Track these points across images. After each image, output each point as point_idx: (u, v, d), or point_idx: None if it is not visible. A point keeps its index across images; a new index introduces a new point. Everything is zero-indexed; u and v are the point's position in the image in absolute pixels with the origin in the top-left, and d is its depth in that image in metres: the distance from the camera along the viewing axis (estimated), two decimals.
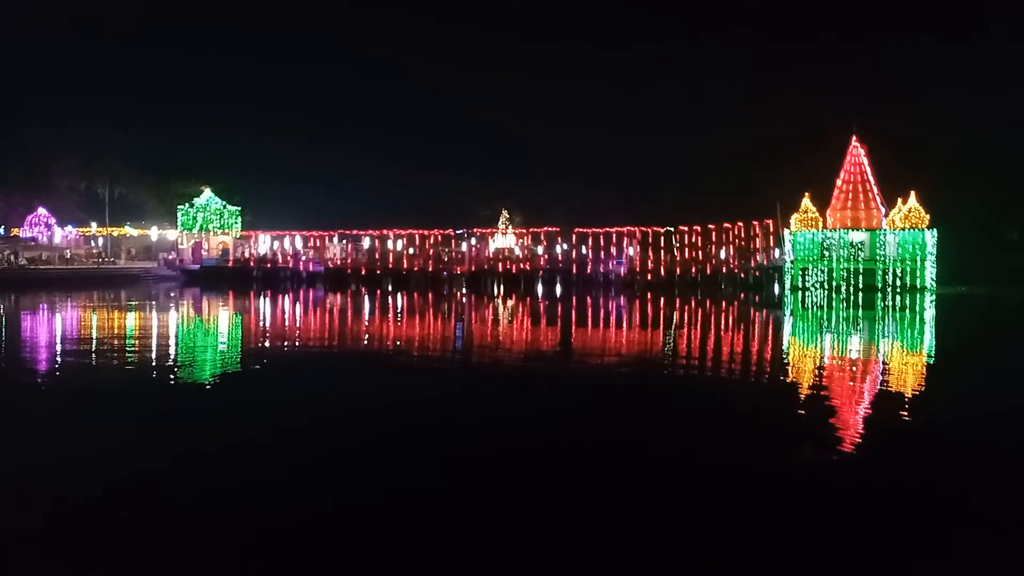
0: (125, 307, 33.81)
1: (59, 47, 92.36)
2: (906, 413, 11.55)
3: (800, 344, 21.27)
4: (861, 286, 45.21)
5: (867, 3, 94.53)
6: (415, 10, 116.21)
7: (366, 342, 21.30)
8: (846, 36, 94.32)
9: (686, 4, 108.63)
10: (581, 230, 58.33)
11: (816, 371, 15.86)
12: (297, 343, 20.58)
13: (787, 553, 6.24)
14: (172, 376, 14.58)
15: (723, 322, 27.67)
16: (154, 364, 16.25)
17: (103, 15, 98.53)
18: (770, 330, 25.42)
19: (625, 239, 57.10)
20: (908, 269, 45.13)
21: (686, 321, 27.85)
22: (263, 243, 66.39)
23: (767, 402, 12.34)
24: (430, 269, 58.86)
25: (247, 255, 64.89)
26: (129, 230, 71.37)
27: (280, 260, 63.30)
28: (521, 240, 63.51)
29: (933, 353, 19.67)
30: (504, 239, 66.91)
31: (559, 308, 34.85)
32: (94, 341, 20.74)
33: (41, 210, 68.34)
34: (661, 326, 25.71)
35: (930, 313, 32.51)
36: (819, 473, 8.29)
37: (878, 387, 13.65)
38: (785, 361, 17.42)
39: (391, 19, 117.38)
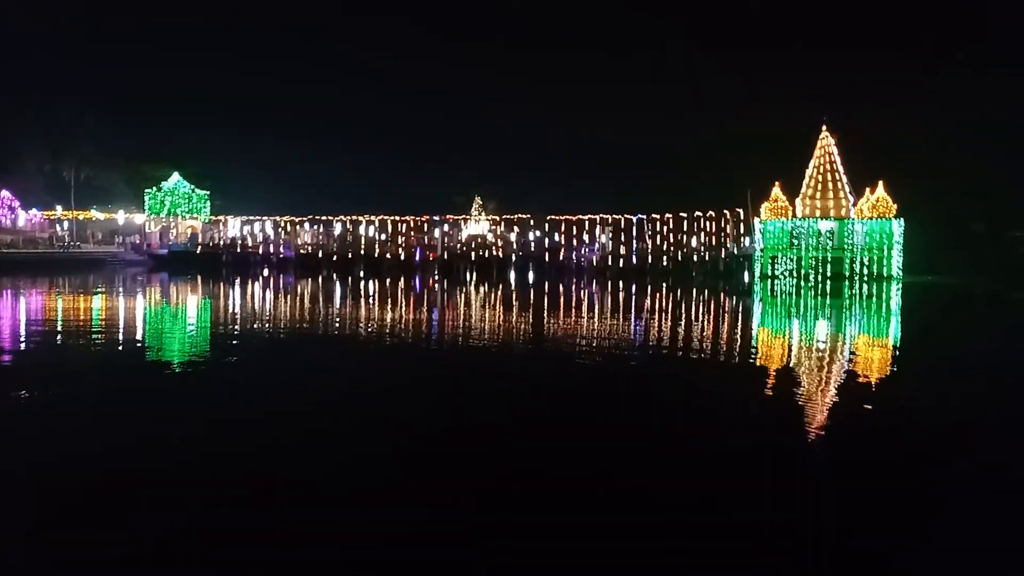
0: (91, 292, 33.25)
1: (31, 32, 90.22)
2: (880, 397, 11.70)
3: (769, 331, 21.47)
4: (829, 274, 45.83)
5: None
6: (390, 6, 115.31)
7: (337, 328, 21.13)
8: (817, 30, 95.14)
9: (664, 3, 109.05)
10: (554, 217, 58.47)
11: (786, 358, 16.02)
12: (267, 329, 20.36)
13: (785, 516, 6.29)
14: (140, 362, 14.36)
15: (692, 309, 27.85)
16: (121, 350, 15.98)
17: (78, 2, 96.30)
18: (740, 317, 25.66)
19: (598, 227, 57.36)
20: (876, 258, 45.83)
21: (656, 308, 28.01)
22: (232, 228, 65.68)
23: (742, 387, 12.43)
24: (402, 256, 58.60)
25: (216, 240, 64.14)
26: (95, 214, 70.16)
27: (250, 245, 62.66)
28: (494, 227, 63.46)
29: (901, 340, 19.95)
30: (477, 226, 66.83)
31: (531, 295, 34.88)
32: (59, 326, 20.36)
33: (4, 192, 66.89)
34: (632, 313, 25.82)
35: (896, 301, 32.99)
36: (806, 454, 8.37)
37: (847, 373, 13.81)
38: (754, 347, 17.56)
39: (365, 14, 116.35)
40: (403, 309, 26.76)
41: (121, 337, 17.89)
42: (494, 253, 58.70)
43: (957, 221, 58.53)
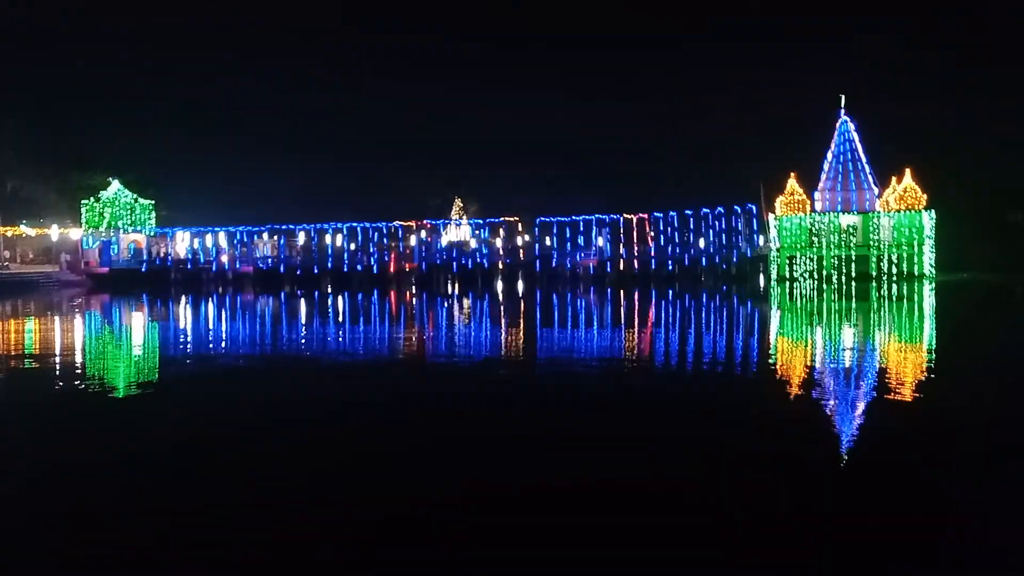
0: (22, 318, 32.78)
1: None
2: (935, 425, 11.53)
3: (793, 343, 21.36)
4: (854, 275, 45.93)
5: None
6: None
7: (303, 355, 20.85)
8: (835, 7, 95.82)
9: None
10: (544, 219, 58.37)
11: (819, 376, 15.88)
12: (222, 357, 20.06)
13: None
14: (76, 400, 14.06)
15: (704, 320, 27.75)
16: (57, 388, 15.66)
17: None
18: (757, 327, 25.57)
19: (594, 228, 57.25)
20: (905, 255, 45.99)
21: (663, 319, 27.89)
22: (182, 241, 65.18)
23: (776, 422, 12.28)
24: (375, 268, 58.35)
25: (163, 255, 63.65)
26: (25, 229, 69.40)
27: (202, 260, 62.20)
28: (478, 232, 63.33)
29: (944, 352, 19.65)
30: (458, 231, 66.70)
31: (522, 307, 34.70)
32: None
33: None
34: (636, 327, 25.66)
35: (931, 303, 33.01)
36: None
37: (889, 392, 13.68)
38: (780, 364, 17.43)
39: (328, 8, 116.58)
40: (377, 330, 26.50)
41: (58, 375, 17.55)
42: (477, 261, 58.49)
43: (992, 211, 58.95)
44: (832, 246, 46.76)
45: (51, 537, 7.35)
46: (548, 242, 58.64)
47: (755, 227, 51.94)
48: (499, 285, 51.10)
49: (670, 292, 41.15)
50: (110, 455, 10.14)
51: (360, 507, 7.94)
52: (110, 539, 7.22)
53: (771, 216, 48.87)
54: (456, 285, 52.28)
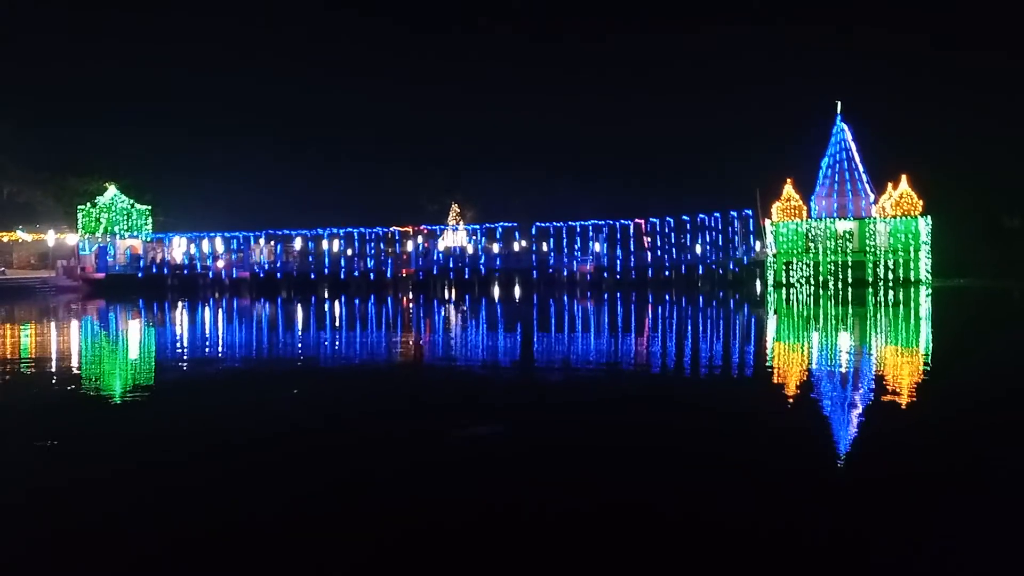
0: (17, 324, 32.71)
1: None
2: (934, 433, 11.52)
3: (790, 349, 21.36)
4: (850, 280, 45.97)
5: None
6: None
7: (300, 361, 20.81)
8: (831, 5, 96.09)
9: None
10: (541, 224, 58.37)
11: (825, 389, 15.86)
12: (220, 363, 20.01)
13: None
14: (70, 407, 14.01)
15: (702, 327, 27.76)
16: (47, 401, 15.60)
17: None
18: (752, 336, 25.57)
19: (591, 233, 57.26)
20: (901, 261, 46.03)
21: (660, 325, 27.90)
22: (178, 246, 65.11)
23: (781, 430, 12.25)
24: (372, 274, 58.30)
25: (160, 260, 63.59)
26: (21, 235, 69.31)
27: (199, 265, 62.12)
28: (475, 237, 63.32)
29: (941, 359, 19.61)
30: (455, 236, 66.74)
31: (518, 313, 34.67)
32: None
33: None
34: (632, 335, 25.67)
35: (928, 309, 33.02)
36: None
37: (885, 399, 13.67)
38: (771, 372, 17.42)
39: (321, 10, 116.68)
40: (372, 336, 26.46)
41: (53, 386, 17.49)
42: (475, 266, 58.50)
43: (988, 216, 59.07)
44: (828, 252, 46.80)
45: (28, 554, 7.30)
46: (545, 247, 58.68)
47: (752, 233, 52.01)
48: (496, 291, 51.08)
49: (667, 298, 41.13)
50: (95, 463, 10.08)
51: (354, 522, 7.90)
52: (94, 553, 7.18)
53: (767, 222, 48.93)
54: (453, 290, 52.24)
